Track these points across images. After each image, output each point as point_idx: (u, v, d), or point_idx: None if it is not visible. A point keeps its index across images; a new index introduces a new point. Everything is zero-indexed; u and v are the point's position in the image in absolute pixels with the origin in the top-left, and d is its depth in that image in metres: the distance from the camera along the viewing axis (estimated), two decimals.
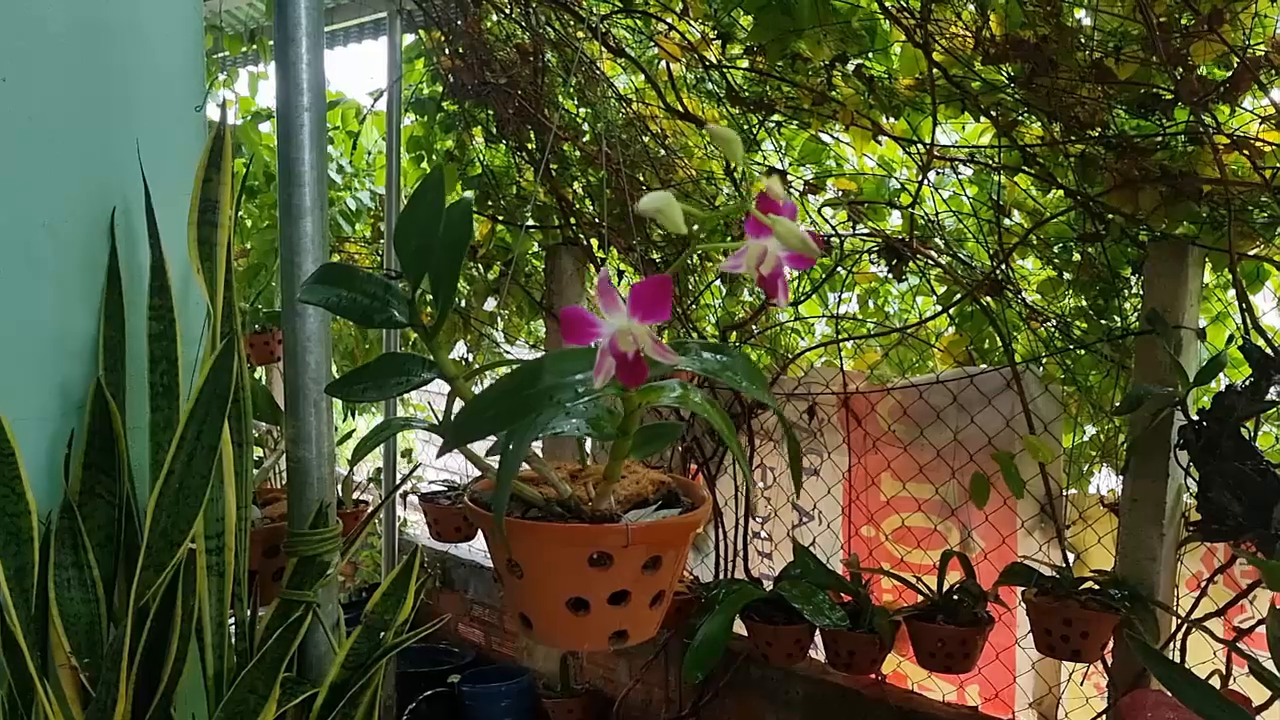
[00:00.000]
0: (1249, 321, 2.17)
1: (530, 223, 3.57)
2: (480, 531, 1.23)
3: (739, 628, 2.67)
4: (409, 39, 3.69)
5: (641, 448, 1.18)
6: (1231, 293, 2.35)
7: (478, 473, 1.28)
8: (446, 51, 3.28)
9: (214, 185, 1.37)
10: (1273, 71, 1.93)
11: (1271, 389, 2.08)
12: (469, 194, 3.53)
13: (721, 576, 3.23)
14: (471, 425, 0.99)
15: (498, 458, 1.05)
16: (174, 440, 1.28)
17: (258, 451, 2.57)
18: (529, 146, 3.34)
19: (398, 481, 3.85)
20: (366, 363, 1.20)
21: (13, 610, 1.27)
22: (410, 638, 1.50)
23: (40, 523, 1.31)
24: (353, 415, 5.27)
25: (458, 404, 1.25)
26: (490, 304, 3.97)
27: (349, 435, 3.57)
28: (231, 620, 1.44)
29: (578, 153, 3.26)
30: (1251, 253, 2.31)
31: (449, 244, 1.13)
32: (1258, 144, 2.05)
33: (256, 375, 4.02)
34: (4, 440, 1.28)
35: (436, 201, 1.13)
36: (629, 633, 1.15)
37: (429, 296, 1.16)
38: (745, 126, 2.89)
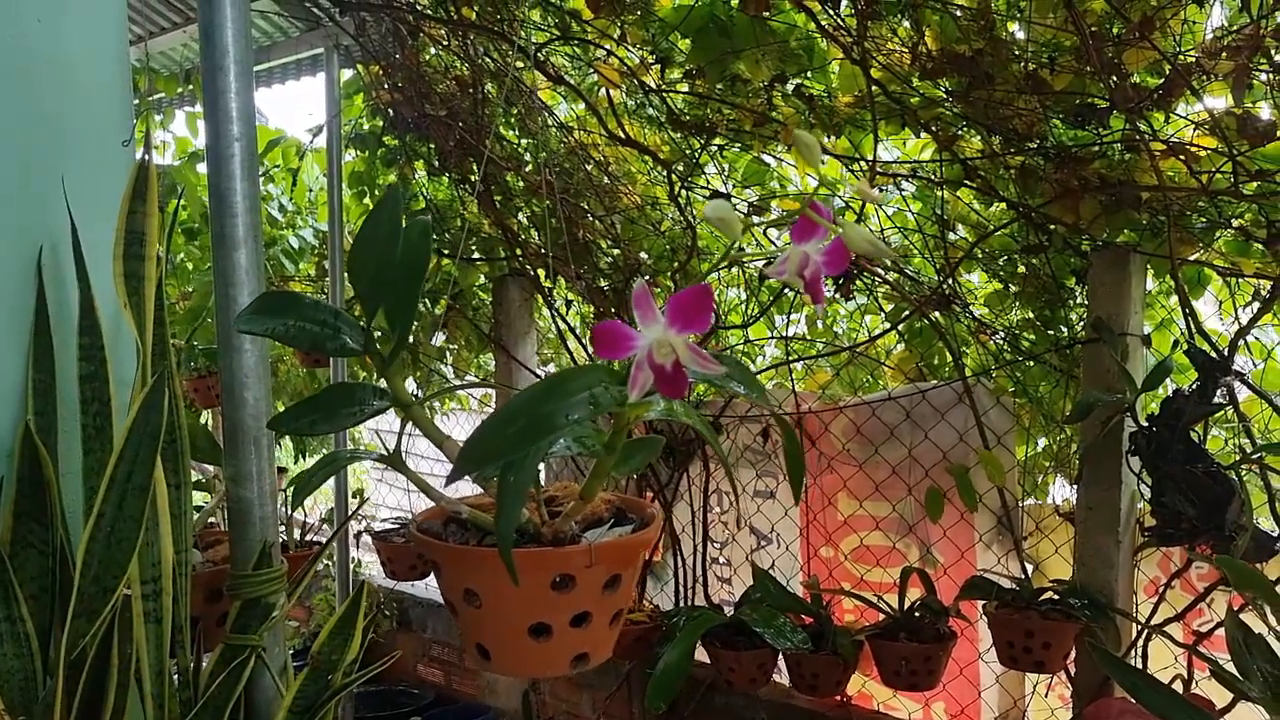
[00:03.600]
0: (1192, 326, 2.19)
1: (475, 255, 3.54)
2: (432, 565, 1.19)
3: (702, 655, 2.64)
4: (347, 74, 3.66)
5: (624, 464, 1.14)
6: (1174, 298, 2.37)
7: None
8: (386, 85, 3.25)
9: (139, 217, 1.33)
10: (1204, 76, 1.95)
11: (1218, 392, 2.10)
12: (426, 217, 3.48)
13: (681, 604, 3.20)
14: (488, 444, 0.89)
15: (453, 487, 1.01)
16: (103, 483, 1.23)
17: (202, 496, 2.51)
18: (472, 178, 3.31)
19: (346, 517, 3.77)
20: (313, 394, 1.16)
21: None
22: (360, 677, 1.45)
23: None
24: (303, 457, 5.19)
25: (407, 434, 1.22)
26: (439, 338, 3.93)
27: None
28: (176, 669, 1.39)
29: (521, 183, 3.24)
30: (1192, 258, 2.33)
31: (407, 265, 1.09)
32: (1193, 149, 2.07)
33: (202, 419, 3.94)
34: None
35: (394, 220, 1.09)
36: (590, 655, 1.12)
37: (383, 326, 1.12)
38: (687, 150, 2.89)
